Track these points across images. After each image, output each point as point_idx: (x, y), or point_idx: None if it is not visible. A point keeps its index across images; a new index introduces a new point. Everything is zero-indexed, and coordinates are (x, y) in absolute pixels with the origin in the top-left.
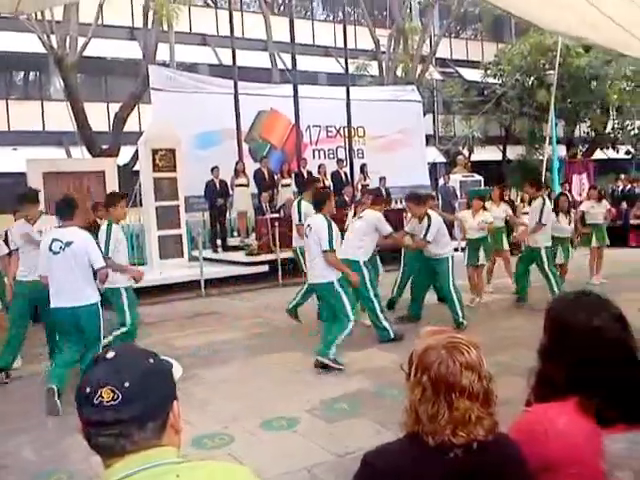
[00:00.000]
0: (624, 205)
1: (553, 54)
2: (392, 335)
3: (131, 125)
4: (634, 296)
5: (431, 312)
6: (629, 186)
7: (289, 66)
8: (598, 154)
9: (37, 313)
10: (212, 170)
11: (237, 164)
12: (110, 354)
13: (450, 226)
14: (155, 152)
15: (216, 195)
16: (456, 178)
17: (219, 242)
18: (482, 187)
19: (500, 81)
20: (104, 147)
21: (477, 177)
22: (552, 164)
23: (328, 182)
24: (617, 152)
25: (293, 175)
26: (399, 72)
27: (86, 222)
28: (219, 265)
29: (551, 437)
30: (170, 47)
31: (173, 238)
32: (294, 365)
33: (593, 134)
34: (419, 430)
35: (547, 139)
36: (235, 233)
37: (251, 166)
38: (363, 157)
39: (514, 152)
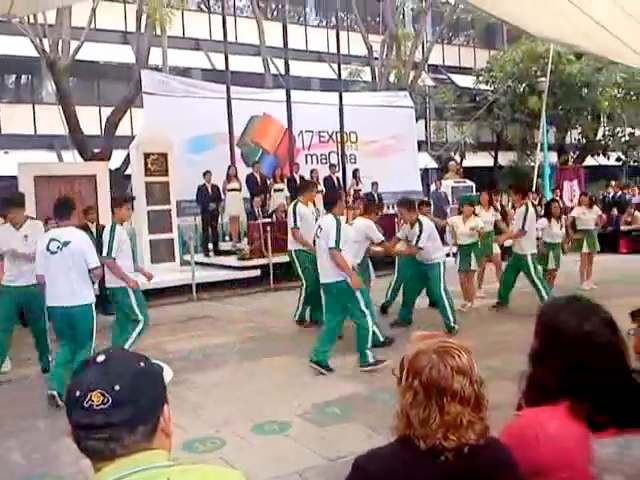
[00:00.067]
0: (615, 211)
1: (545, 61)
2: (381, 339)
3: (123, 129)
4: (624, 301)
5: (422, 317)
6: (619, 193)
7: (282, 71)
8: (589, 161)
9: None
10: (204, 174)
11: (229, 168)
12: (100, 357)
13: (442, 231)
14: (147, 156)
15: (208, 199)
16: (448, 184)
17: (211, 246)
18: (473, 193)
19: (492, 88)
20: (96, 151)
21: (469, 183)
22: (543, 170)
23: (321, 187)
24: (608, 159)
25: (286, 180)
26: (392, 78)
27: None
28: (211, 269)
29: (542, 441)
30: (163, 51)
31: (165, 242)
32: (286, 369)
33: (584, 141)
34: (410, 434)
35: (538, 145)
36: (227, 237)
37: (243, 171)
38: (355, 162)
39: (506, 158)
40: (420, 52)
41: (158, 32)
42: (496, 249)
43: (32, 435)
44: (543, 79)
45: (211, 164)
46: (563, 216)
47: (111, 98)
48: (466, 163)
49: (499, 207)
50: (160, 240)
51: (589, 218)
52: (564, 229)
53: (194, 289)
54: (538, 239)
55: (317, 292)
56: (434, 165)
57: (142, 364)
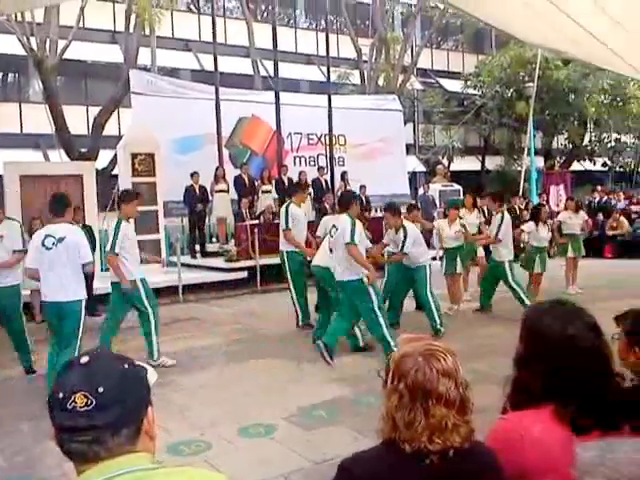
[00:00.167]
0: (600, 216)
1: (532, 67)
2: (360, 344)
3: (110, 129)
4: (609, 305)
5: (409, 319)
6: (605, 198)
7: (271, 73)
8: (575, 166)
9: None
10: (192, 175)
11: (217, 170)
12: (84, 359)
13: (429, 234)
14: (134, 156)
15: (195, 200)
16: (435, 187)
17: (198, 248)
18: (461, 197)
19: (480, 92)
20: (83, 151)
21: (456, 187)
22: (530, 175)
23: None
24: (594, 164)
25: (273, 182)
26: (381, 81)
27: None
28: (197, 271)
29: (527, 445)
30: (152, 51)
31: (151, 243)
32: (273, 372)
33: (571, 146)
34: (396, 437)
35: (525, 150)
36: (214, 239)
37: (231, 172)
38: (344, 165)
39: (493, 162)
40: (409, 56)
41: (147, 32)
42: (480, 252)
43: (15, 438)
44: (531, 84)
45: (199, 165)
46: (549, 220)
47: (99, 98)
48: (454, 167)
49: (485, 210)
50: (146, 241)
51: (575, 223)
52: (550, 233)
53: (180, 291)
54: (526, 243)
55: (305, 296)
56: (422, 169)
57: (126, 366)
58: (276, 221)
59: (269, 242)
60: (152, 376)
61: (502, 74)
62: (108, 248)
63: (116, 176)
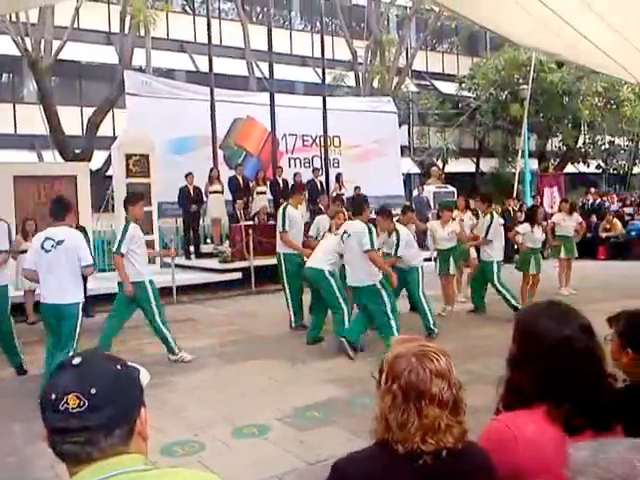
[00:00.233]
0: (594, 218)
1: (527, 69)
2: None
3: (105, 130)
4: (602, 307)
5: (403, 320)
6: (599, 200)
7: (266, 74)
8: (569, 168)
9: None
10: (186, 176)
11: (212, 171)
12: (76, 360)
13: (423, 235)
14: (129, 157)
15: (190, 201)
16: (430, 189)
17: (192, 249)
18: (455, 199)
19: (475, 94)
20: (77, 151)
21: (451, 188)
22: (524, 177)
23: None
24: (588, 166)
25: (268, 183)
26: (375, 83)
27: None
28: (192, 272)
29: (520, 445)
30: (147, 52)
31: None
32: (268, 372)
33: (565, 148)
34: (389, 438)
35: (520, 152)
36: (208, 240)
37: (226, 173)
38: (339, 166)
39: (487, 164)
40: (404, 58)
41: (142, 33)
42: (473, 253)
43: (8, 439)
44: (525, 87)
45: (193, 166)
46: (544, 222)
47: (93, 98)
48: (448, 169)
49: (479, 212)
50: None
51: (569, 225)
52: (545, 235)
53: (174, 292)
54: (520, 244)
55: (301, 298)
56: (417, 170)
57: (119, 367)
58: (271, 222)
59: (264, 243)
60: (145, 377)
61: (496, 76)
62: (114, 248)
63: (110, 177)
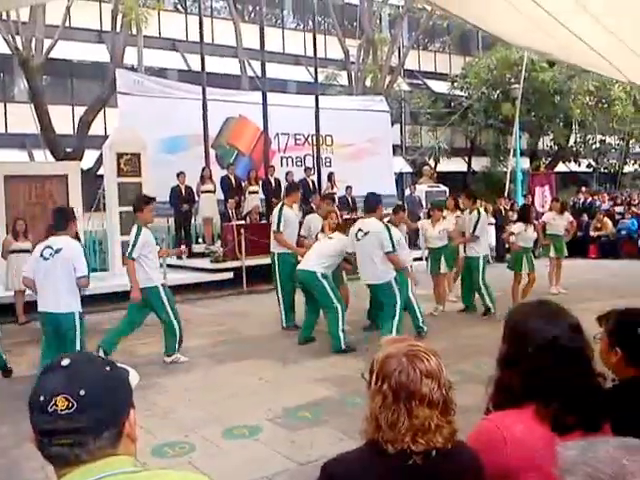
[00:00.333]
0: (585, 217)
1: (518, 68)
2: (342, 347)
3: (96, 129)
4: (592, 306)
5: None
6: (590, 199)
7: (259, 73)
8: (561, 167)
9: None
10: (178, 175)
11: (203, 170)
12: (65, 361)
13: (415, 234)
14: (120, 156)
15: (181, 201)
16: (422, 188)
17: (184, 247)
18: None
19: (467, 94)
20: (68, 150)
21: (442, 187)
22: (516, 176)
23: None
24: (579, 165)
25: (260, 182)
26: (368, 82)
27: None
28: (183, 272)
29: (509, 445)
30: (138, 51)
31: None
32: (259, 373)
33: (556, 147)
34: (379, 438)
35: (511, 151)
36: (200, 239)
37: (218, 172)
38: (331, 165)
39: (479, 163)
40: (396, 57)
41: (134, 32)
42: (462, 252)
43: None
44: (517, 86)
45: (185, 165)
46: (535, 221)
47: (84, 97)
48: (440, 168)
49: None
50: None
51: (559, 224)
52: (536, 233)
53: None
54: (512, 244)
55: (293, 299)
56: (409, 169)
57: (108, 368)
58: (263, 222)
59: (256, 243)
60: (134, 378)
61: (488, 76)
62: (127, 253)
63: (101, 176)
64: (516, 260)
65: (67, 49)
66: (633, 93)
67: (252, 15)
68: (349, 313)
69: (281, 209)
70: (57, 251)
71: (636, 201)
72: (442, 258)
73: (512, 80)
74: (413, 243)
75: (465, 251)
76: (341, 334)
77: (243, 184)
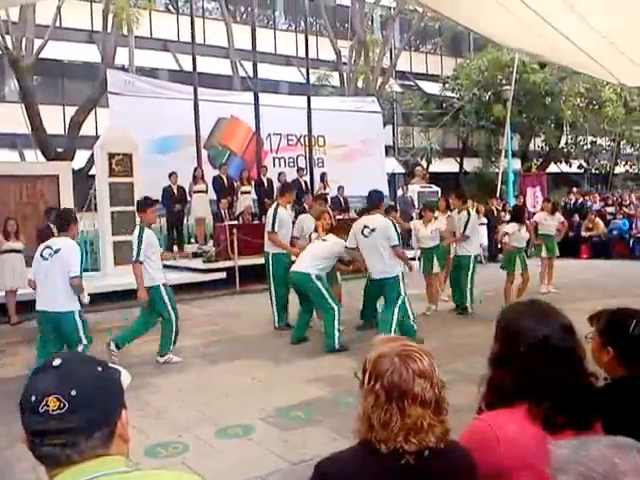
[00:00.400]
0: (576, 218)
1: (510, 70)
2: (336, 346)
3: (87, 129)
4: (583, 305)
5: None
6: (581, 199)
7: (250, 74)
8: (552, 168)
9: None
10: (170, 175)
11: (195, 170)
12: (56, 361)
13: (407, 234)
14: (112, 156)
15: (173, 201)
16: (414, 189)
17: (176, 249)
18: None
19: (458, 95)
20: (59, 150)
21: (435, 188)
22: (507, 176)
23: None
24: (570, 166)
25: (253, 182)
26: (360, 83)
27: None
28: (176, 272)
29: (502, 445)
30: (130, 51)
31: (128, 244)
32: (252, 373)
33: (547, 148)
34: (372, 437)
35: (503, 152)
36: (193, 240)
37: (210, 172)
38: (323, 166)
39: (471, 164)
40: (388, 58)
41: (125, 32)
42: (453, 252)
43: None
44: (508, 87)
45: (177, 165)
46: (527, 222)
47: (76, 97)
48: (432, 169)
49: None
50: (124, 242)
51: (551, 224)
52: (529, 234)
53: None
54: (505, 244)
55: (286, 299)
56: (401, 170)
57: (99, 368)
58: (255, 222)
59: (248, 243)
60: (126, 378)
61: (480, 77)
62: (134, 256)
63: (93, 176)
64: (509, 260)
65: (58, 49)
66: (624, 95)
67: (244, 16)
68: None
69: (276, 209)
70: (56, 251)
71: (627, 201)
72: (434, 258)
73: (503, 81)
74: (406, 243)
75: (456, 250)
76: (336, 333)
77: (235, 184)
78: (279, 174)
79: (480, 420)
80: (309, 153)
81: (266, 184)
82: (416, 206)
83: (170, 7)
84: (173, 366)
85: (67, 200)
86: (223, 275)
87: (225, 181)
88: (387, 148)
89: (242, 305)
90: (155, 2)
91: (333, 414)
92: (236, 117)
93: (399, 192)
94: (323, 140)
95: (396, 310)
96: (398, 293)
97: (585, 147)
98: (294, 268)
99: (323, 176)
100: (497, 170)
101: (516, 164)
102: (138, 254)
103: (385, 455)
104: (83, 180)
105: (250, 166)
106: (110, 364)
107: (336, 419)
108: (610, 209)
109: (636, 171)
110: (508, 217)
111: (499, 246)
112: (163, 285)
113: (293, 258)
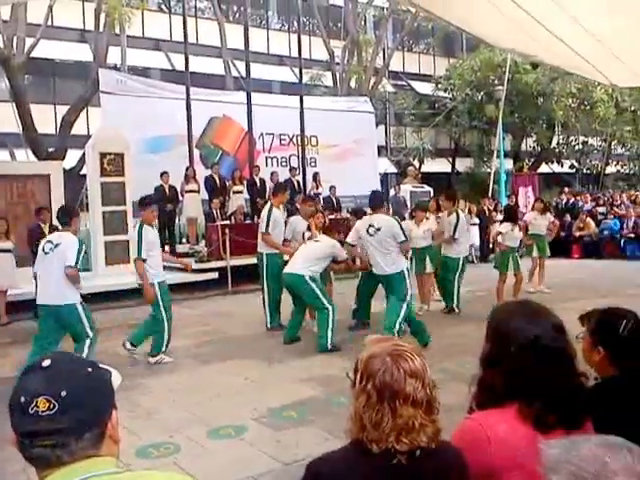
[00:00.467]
0: (568, 218)
1: (502, 70)
2: (328, 346)
3: (79, 128)
4: (575, 305)
5: (378, 320)
6: (572, 199)
7: (243, 73)
8: (544, 168)
9: None
10: (161, 175)
11: (187, 170)
12: (46, 362)
13: None
14: (103, 156)
15: (165, 201)
16: (406, 189)
17: (167, 249)
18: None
19: (451, 95)
20: (50, 150)
21: (427, 188)
22: (499, 177)
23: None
24: (562, 166)
25: (245, 182)
26: (352, 83)
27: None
28: (167, 272)
29: (493, 445)
30: (122, 51)
31: (120, 244)
32: (244, 373)
33: (539, 148)
34: (363, 437)
35: (495, 152)
36: (184, 240)
37: (202, 172)
38: (316, 166)
39: (463, 164)
40: (381, 58)
41: (117, 31)
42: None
43: None
44: (500, 88)
45: (169, 165)
46: (519, 221)
47: (67, 96)
48: (425, 168)
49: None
50: (115, 242)
51: (541, 223)
52: (521, 233)
53: None
54: (499, 244)
55: (279, 299)
56: (393, 170)
57: (90, 369)
58: (248, 222)
59: (240, 243)
60: (116, 379)
61: (472, 77)
62: (136, 255)
63: (84, 176)
64: (502, 260)
65: (49, 48)
66: (615, 95)
67: (237, 15)
68: None
69: (270, 210)
70: (56, 245)
71: (618, 202)
72: (427, 258)
73: (496, 82)
74: None
75: (443, 249)
76: (329, 334)
77: (227, 184)
78: (271, 174)
79: (471, 420)
80: (302, 153)
81: (258, 184)
82: (408, 206)
83: (162, 6)
84: (164, 367)
85: (58, 200)
86: (215, 275)
87: (217, 181)
88: (379, 148)
89: (234, 305)
90: (147, 1)
91: (325, 414)
92: (228, 117)
93: (391, 192)
94: (316, 140)
95: (404, 306)
96: (405, 289)
97: (577, 147)
98: (287, 270)
99: (315, 176)
100: (489, 170)
101: (508, 164)
102: (140, 252)
103: (377, 455)
104: (74, 180)
105: (242, 166)
106: (100, 365)
107: (328, 419)
108: (601, 209)
109: (627, 171)
110: (500, 217)
111: (491, 246)
112: (158, 283)
113: (286, 258)
